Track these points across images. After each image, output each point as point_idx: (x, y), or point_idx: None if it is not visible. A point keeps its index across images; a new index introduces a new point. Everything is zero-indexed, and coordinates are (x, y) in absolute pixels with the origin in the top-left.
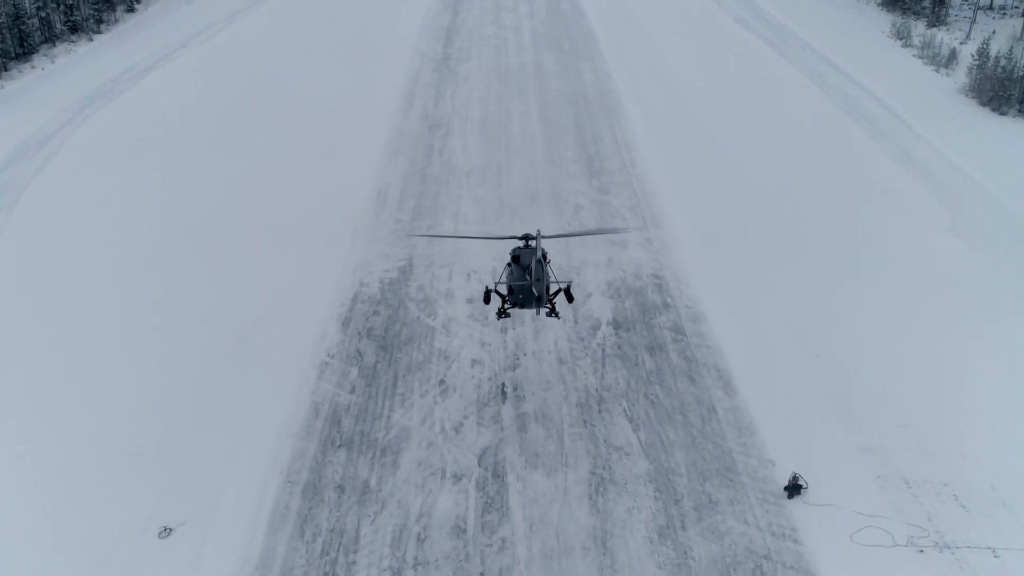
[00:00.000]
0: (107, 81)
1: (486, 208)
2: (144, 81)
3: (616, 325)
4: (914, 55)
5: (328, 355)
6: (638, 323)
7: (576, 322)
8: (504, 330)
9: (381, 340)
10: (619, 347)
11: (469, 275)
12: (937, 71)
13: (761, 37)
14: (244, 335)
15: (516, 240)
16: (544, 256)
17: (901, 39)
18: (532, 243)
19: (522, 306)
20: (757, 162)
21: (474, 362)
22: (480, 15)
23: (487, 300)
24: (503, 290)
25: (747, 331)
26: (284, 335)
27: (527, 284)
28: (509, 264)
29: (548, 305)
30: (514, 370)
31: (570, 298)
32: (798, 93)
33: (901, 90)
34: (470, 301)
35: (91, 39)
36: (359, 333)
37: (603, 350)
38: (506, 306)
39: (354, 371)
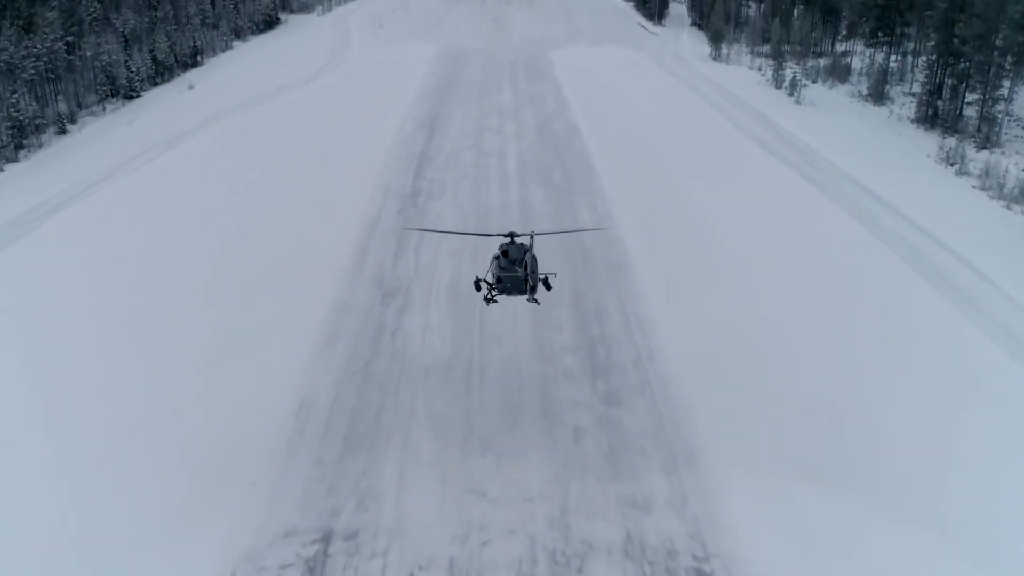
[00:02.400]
0: (4, 224)
1: (448, 437)
2: (48, 224)
3: None
4: (974, 186)
5: None
6: None
7: None
8: None
9: None
10: None
11: (412, 573)
12: (1008, 207)
13: (791, 165)
14: None
15: (502, 236)
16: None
17: (952, 165)
18: (517, 239)
19: (509, 293)
20: (817, 346)
21: None
22: (459, 137)
23: (478, 288)
24: (491, 280)
25: None
26: None
27: (519, 276)
28: (497, 257)
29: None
30: None
31: (548, 287)
32: (849, 243)
33: (973, 236)
34: None
35: (1, 169)
36: None
37: None
38: (493, 293)
39: None
